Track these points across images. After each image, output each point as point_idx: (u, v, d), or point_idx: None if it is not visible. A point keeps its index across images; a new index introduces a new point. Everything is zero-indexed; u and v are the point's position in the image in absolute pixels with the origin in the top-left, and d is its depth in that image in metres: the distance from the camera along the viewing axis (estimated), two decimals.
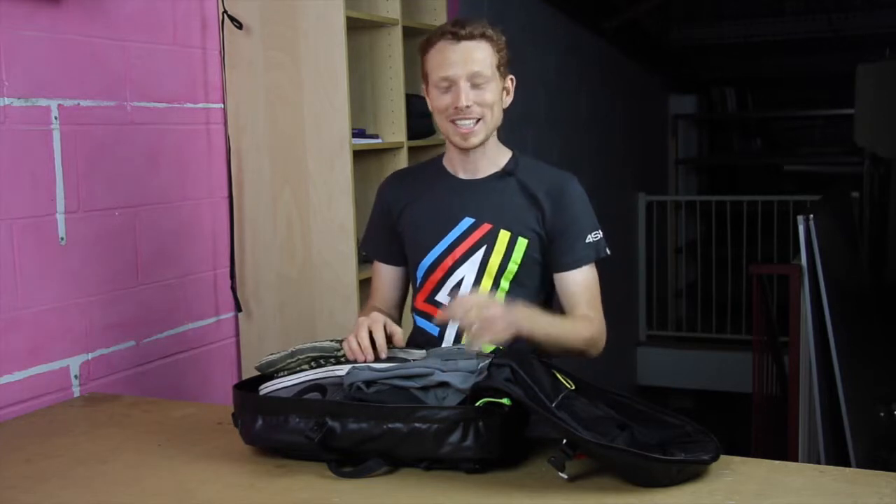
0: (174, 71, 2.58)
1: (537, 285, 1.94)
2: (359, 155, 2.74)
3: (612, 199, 6.32)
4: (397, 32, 2.89)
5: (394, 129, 2.93)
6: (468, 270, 1.91)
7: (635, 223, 7.09)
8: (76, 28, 2.27)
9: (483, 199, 1.92)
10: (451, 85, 1.85)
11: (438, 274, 1.93)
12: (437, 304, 1.94)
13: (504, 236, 1.90)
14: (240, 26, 2.65)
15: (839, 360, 3.55)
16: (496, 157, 1.95)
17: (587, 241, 1.91)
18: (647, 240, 7.14)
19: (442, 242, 1.93)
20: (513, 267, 1.90)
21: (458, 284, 1.92)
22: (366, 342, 1.73)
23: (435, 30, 1.91)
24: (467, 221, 1.92)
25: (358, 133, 2.77)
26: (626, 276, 6.79)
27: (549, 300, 1.99)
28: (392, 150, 2.92)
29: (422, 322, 1.98)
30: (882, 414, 3.90)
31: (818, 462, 3.49)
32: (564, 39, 5.58)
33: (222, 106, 2.73)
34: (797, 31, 7.46)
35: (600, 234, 1.94)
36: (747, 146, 9.21)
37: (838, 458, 3.52)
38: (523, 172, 1.94)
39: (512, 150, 1.99)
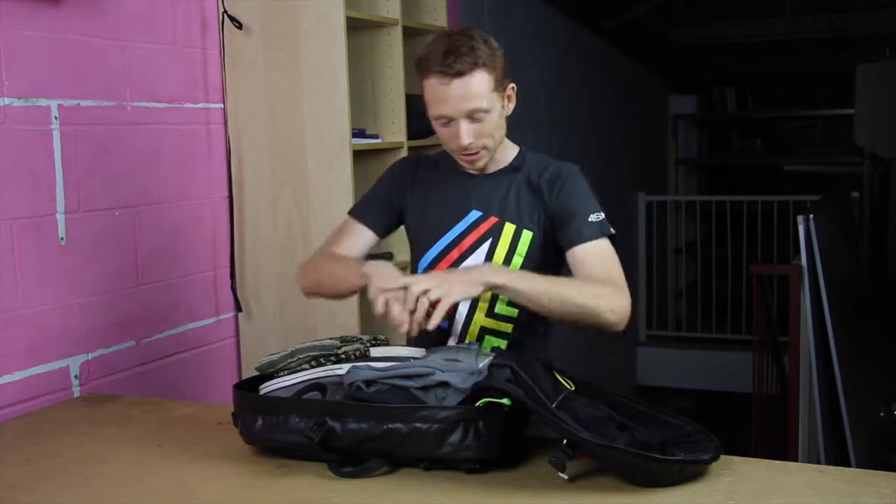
0: (174, 71, 2.58)
1: None
2: (359, 155, 2.74)
3: (612, 199, 6.31)
4: (397, 32, 2.89)
5: (394, 129, 2.93)
6: (473, 262, 1.91)
7: (635, 223, 7.09)
8: (76, 28, 2.27)
9: (490, 193, 1.93)
10: (448, 121, 1.83)
11: (443, 266, 1.93)
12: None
13: (509, 229, 1.91)
14: (240, 26, 2.65)
15: (839, 360, 3.55)
16: (503, 155, 1.95)
17: (590, 220, 1.87)
18: (647, 240, 7.14)
19: (448, 234, 1.94)
20: (517, 259, 1.90)
21: None
22: (411, 305, 1.67)
23: (426, 54, 1.81)
24: (474, 214, 1.93)
25: (358, 133, 2.77)
26: (626, 276, 6.77)
27: None
28: (392, 149, 2.92)
29: None
30: (882, 414, 3.90)
31: (818, 462, 3.49)
32: (564, 39, 5.58)
33: (222, 106, 2.73)
34: (797, 31, 7.46)
35: (602, 215, 1.88)
36: (747, 146, 9.21)
37: (838, 458, 3.52)
38: (530, 167, 1.95)
39: (519, 145, 1.99)
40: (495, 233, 1.91)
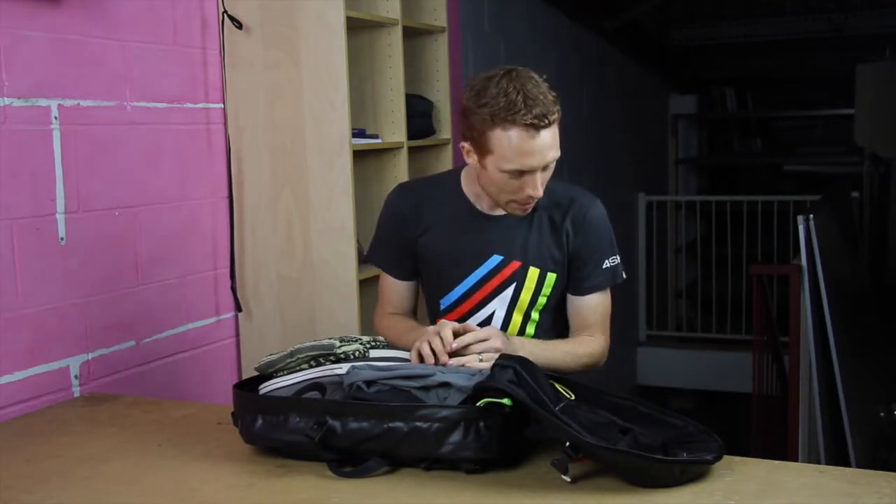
0: (174, 71, 2.58)
1: (561, 307, 1.96)
2: (359, 155, 2.74)
3: (612, 199, 6.30)
4: (397, 32, 2.88)
5: (394, 129, 2.93)
6: (498, 306, 1.91)
7: (635, 223, 7.09)
8: (76, 28, 2.27)
9: (510, 235, 1.90)
10: (523, 173, 1.76)
11: (465, 307, 1.93)
12: None
13: (534, 273, 1.90)
14: (240, 26, 2.65)
15: (839, 360, 3.55)
16: None
17: (604, 266, 1.92)
18: (647, 240, 7.14)
19: (469, 279, 1.92)
20: (542, 300, 1.92)
21: (490, 318, 1.92)
22: (439, 346, 1.73)
23: (499, 103, 1.70)
24: (496, 259, 1.90)
25: (358, 133, 2.77)
26: (625, 276, 6.78)
27: (565, 317, 1.99)
28: (392, 150, 2.92)
29: None
30: (882, 414, 3.90)
31: (818, 462, 3.49)
32: (565, 40, 5.58)
33: (222, 106, 2.73)
34: (797, 31, 7.47)
35: (618, 259, 1.94)
36: (747, 146, 9.20)
37: (838, 458, 3.52)
38: (546, 202, 1.89)
39: None
40: (519, 277, 1.90)
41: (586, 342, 1.91)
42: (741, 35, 7.67)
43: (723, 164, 9.18)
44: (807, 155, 8.49)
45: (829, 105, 7.96)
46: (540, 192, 1.79)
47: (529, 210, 1.86)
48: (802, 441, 3.81)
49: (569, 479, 1.50)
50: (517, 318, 1.92)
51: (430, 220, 1.94)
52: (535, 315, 1.93)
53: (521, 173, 1.75)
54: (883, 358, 4.59)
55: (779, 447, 4.14)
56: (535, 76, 1.76)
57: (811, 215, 3.62)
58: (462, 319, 1.92)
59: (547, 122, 1.72)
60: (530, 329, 1.94)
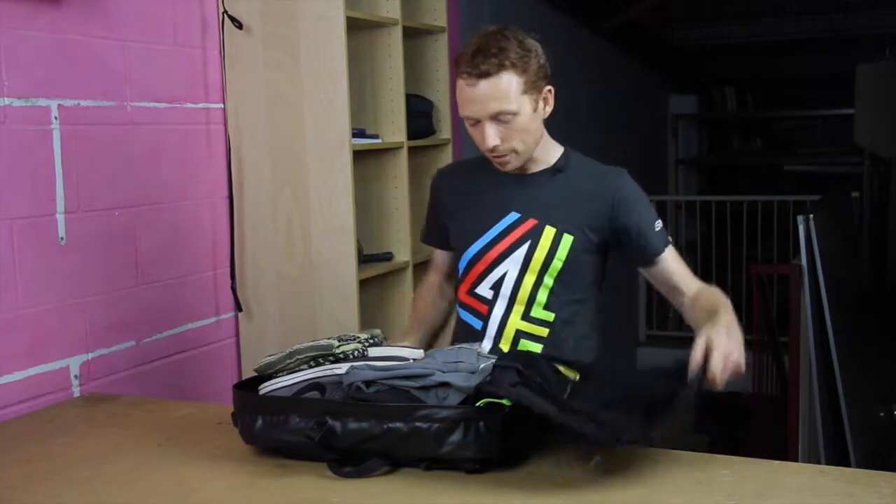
0: (174, 71, 2.58)
1: (583, 283, 1.93)
2: (359, 155, 2.74)
3: None
4: (397, 32, 2.89)
5: (394, 129, 2.93)
6: (511, 265, 1.90)
7: None
8: (76, 28, 2.27)
9: (530, 194, 1.92)
10: (476, 122, 1.82)
11: (481, 267, 1.93)
12: (479, 297, 1.94)
13: (549, 232, 1.89)
14: (240, 26, 2.65)
15: (839, 360, 3.55)
16: (546, 155, 1.94)
17: (656, 230, 1.93)
18: None
19: (486, 235, 1.92)
20: (557, 263, 1.90)
21: (502, 278, 1.91)
22: None
23: (460, 53, 1.82)
24: (513, 216, 1.91)
25: (358, 133, 2.76)
26: (626, 276, 6.78)
27: (590, 301, 1.97)
28: (392, 149, 2.92)
29: (465, 315, 1.97)
30: (882, 414, 3.90)
31: (818, 462, 3.49)
32: (564, 39, 5.58)
33: (222, 106, 2.73)
34: (797, 32, 7.47)
35: (661, 221, 1.97)
36: (747, 146, 9.21)
37: (838, 458, 3.52)
38: (575, 170, 1.94)
39: (563, 144, 1.97)
40: (534, 235, 1.89)
41: (712, 290, 1.93)
42: (741, 35, 7.68)
43: (723, 164, 9.19)
44: (807, 155, 8.49)
45: (829, 105, 7.96)
46: (489, 144, 1.81)
47: (507, 166, 1.88)
48: (802, 441, 3.81)
49: (600, 459, 1.53)
50: (529, 279, 1.90)
51: (458, 186, 2.03)
52: (547, 280, 1.90)
53: (475, 122, 1.82)
54: (883, 358, 4.59)
55: (779, 447, 4.14)
56: (513, 34, 1.86)
57: (811, 215, 3.62)
58: (476, 282, 1.94)
59: (481, 71, 1.77)
60: (542, 295, 1.90)
